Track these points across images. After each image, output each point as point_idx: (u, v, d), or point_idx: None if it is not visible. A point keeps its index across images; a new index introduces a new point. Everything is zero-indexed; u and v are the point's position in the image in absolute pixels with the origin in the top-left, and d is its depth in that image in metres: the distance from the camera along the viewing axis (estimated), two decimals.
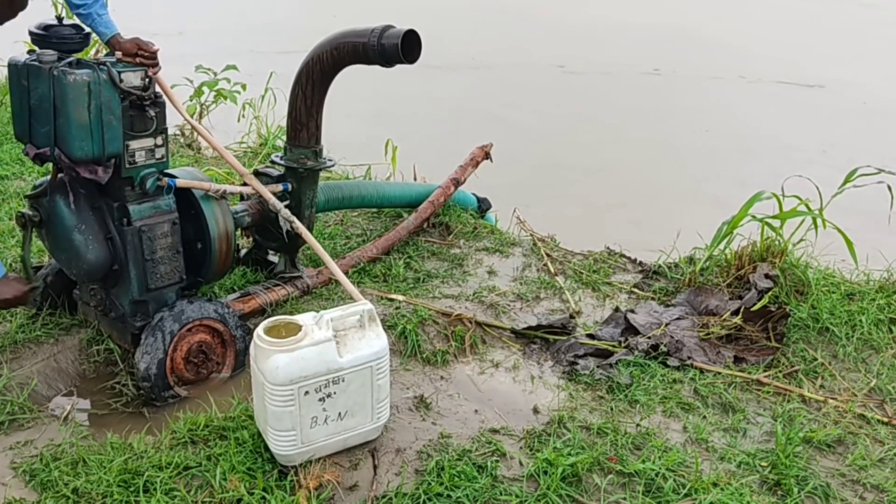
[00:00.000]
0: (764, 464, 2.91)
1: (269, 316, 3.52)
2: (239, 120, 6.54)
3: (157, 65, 3.08)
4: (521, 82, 11.37)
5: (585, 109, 10.13)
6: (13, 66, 2.99)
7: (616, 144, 8.78)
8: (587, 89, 11.10)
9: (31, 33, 3.03)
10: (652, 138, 8.96)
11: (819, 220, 4.02)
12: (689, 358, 3.57)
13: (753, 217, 4.13)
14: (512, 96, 10.59)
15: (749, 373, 3.49)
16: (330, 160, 3.90)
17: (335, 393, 2.70)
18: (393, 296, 3.89)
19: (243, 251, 4.13)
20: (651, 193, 7.28)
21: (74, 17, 3.14)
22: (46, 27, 3.02)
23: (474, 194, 5.27)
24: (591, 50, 13.56)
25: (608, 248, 4.78)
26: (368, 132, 7.36)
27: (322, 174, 4.15)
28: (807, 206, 4.03)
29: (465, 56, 12.34)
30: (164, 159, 3.17)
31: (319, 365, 2.65)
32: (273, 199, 3.60)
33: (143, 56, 3.02)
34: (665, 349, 3.58)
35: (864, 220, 4.22)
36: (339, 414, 2.74)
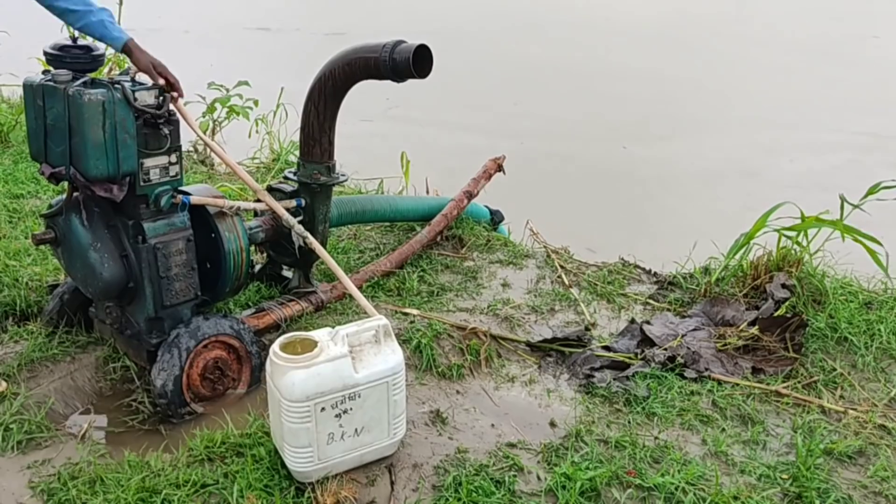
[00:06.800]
0: (785, 476, 2.87)
1: (283, 332, 3.52)
2: (250, 136, 6.56)
3: (180, 93, 3.15)
4: (534, 93, 11.37)
5: (599, 120, 10.12)
6: (28, 86, 3.02)
7: (630, 156, 8.76)
8: (601, 99, 11.10)
9: (45, 53, 3.05)
10: (668, 147, 8.94)
11: (842, 230, 3.97)
12: (706, 369, 3.54)
13: (775, 228, 4.09)
14: (525, 108, 10.59)
15: (767, 384, 3.46)
16: (343, 175, 3.91)
17: (351, 409, 2.70)
18: (407, 310, 3.89)
19: (257, 267, 4.14)
20: (666, 203, 7.26)
21: (79, 30, 3.11)
22: (61, 47, 3.05)
23: (487, 206, 5.27)
24: (600, 53, 13.56)
25: (622, 259, 4.76)
26: (380, 146, 7.38)
27: (335, 188, 4.16)
28: (845, 229, 3.95)
29: (475, 67, 12.37)
30: (179, 177, 3.19)
31: (335, 381, 2.65)
32: (286, 215, 3.60)
33: (165, 79, 3.07)
34: (682, 361, 3.55)
35: (881, 227, 4.18)
36: (356, 430, 2.73)
